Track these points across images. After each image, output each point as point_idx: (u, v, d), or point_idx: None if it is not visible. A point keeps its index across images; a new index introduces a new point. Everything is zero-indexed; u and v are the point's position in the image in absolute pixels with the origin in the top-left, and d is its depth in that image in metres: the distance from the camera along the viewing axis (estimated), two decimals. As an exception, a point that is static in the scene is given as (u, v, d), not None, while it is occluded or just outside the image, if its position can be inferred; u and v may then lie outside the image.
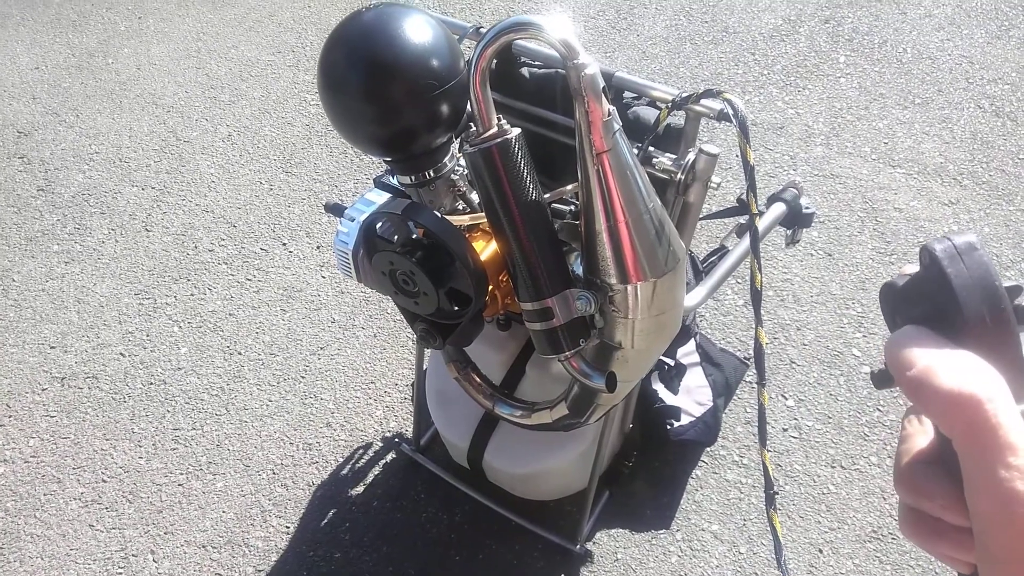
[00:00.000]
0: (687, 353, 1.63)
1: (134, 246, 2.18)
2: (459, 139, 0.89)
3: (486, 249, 0.85)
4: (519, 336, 1.27)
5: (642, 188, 0.73)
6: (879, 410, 1.70)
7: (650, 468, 1.62)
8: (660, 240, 0.75)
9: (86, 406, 1.81)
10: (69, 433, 1.76)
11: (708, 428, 1.59)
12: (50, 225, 2.25)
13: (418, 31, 0.76)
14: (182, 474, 1.68)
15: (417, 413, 1.62)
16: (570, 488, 1.49)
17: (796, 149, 2.31)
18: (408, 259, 0.81)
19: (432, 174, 0.86)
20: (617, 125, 0.69)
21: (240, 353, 1.90)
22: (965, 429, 0.28)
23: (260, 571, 1.53)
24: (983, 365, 0.29)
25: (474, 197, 0.91)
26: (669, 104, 0.91)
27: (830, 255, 2.02)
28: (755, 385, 1.74)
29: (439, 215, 0.81)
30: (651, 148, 0.95)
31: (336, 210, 0.97)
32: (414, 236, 0.85)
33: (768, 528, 1.50)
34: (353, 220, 0.90)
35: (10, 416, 1.80)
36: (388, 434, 1.73)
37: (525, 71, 1.07)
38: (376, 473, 1.66)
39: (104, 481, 1.68)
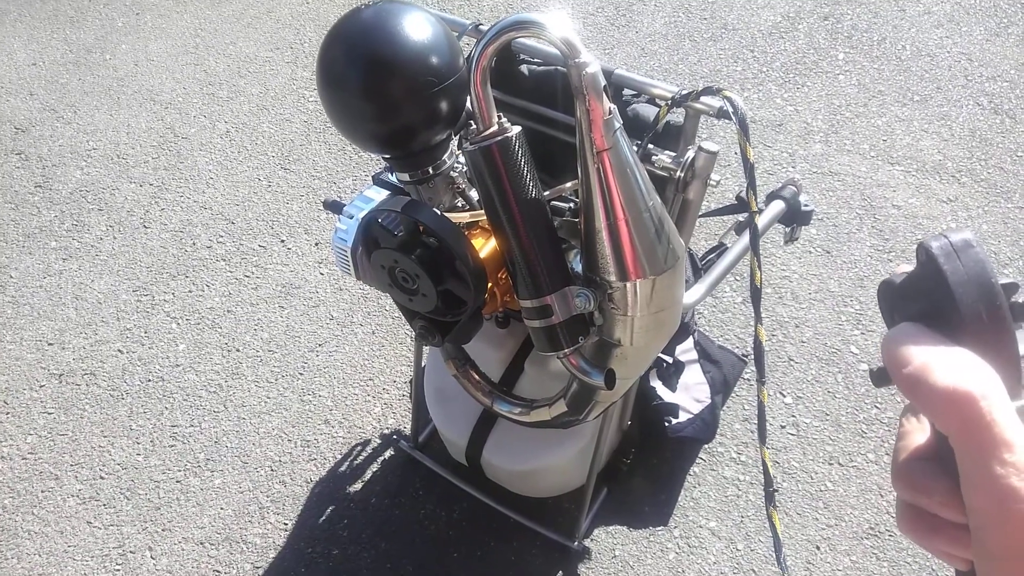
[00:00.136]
0: (685, 350, 1.63)
1: (132, 243, 2.18)
2: (459, 136, 0.89)
3: (485, 246, 0.85)
4: (518, 333, 1.27)
5: (642, 186, 0.73)
6: (877, 407, 1.70)
7: (648, 465, 1.63)
8: (659, 238, 0.75)
9: (84, 403, 1.81)
10: (67, 430, 1.76)
11: (706, 425, 1.59)
12: (48, 221, 2.25)
13: (417, 28, 0.76)
14: (180, 471, 1.68)
15: (415, 410, 1.62)
16: (568, 485, 1.49)
17: (795, 146, 2.31)
18: (407, 257, 0.81)
19: (431, 171, 0.86)
20: (618, 123, 0.69)
21: (238, 350, 1.90)
22: (960, 426, 0.28)
23: (258, 568, 1.53)
24: (979, 362, 0.30)
25: (473, 194, 0.91)
26: (668, 101, 0.91)
27: (828, 252, 2.02)
28: (753, 382, 1.74)
29: (438, 212, 0.81)
30: (650, 145, 0.95)
31: (335, 207, 0.97)
32: (414, 234, 0.85)
33: (766, 525, 1.51)
34: (352, 217, 0.90)
35: (8, 413, 1.80)
36: (386, 431, 1.73)
37: (524, 68, 1.07)
38: (374, 470, 1.67)
39: (102, 478, 1.68)
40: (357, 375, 1.83)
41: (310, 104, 2.58)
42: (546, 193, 0.79)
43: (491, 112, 0.74)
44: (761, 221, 1.04)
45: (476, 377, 1.11)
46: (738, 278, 1.95)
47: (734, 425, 1.69)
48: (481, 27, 1.05)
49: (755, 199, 0.87)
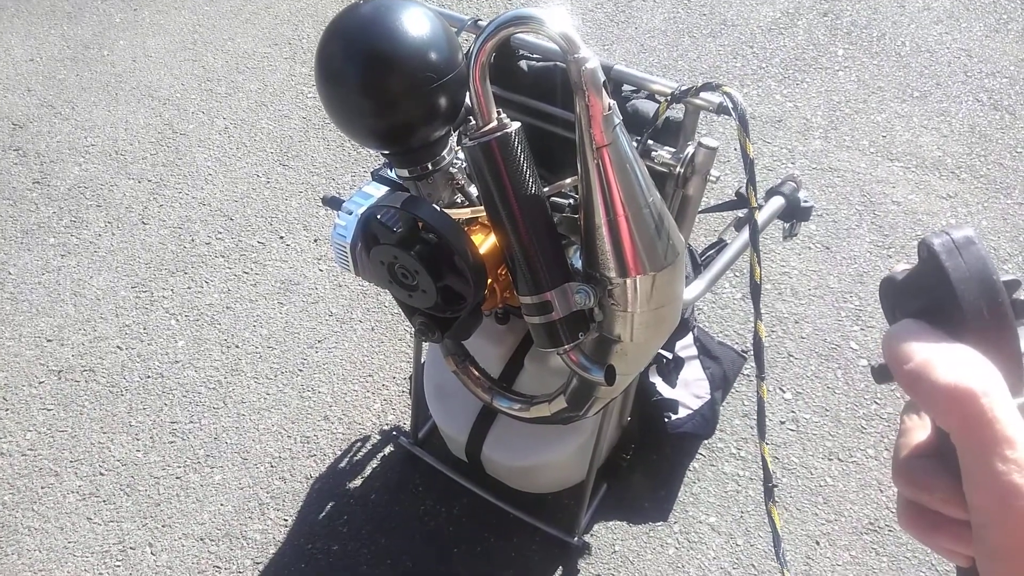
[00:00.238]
0: (685, 346, 1.63)
1: (131, 239, 2.17)
2: (458, 132, 0.89)
3: (485, 243, 0.85)
4: (517, 329, 1.27)
5: (642, 182, 0.73)
6: (876, 403, 1.70)
7: (648, 461, 1.63)
8: (659, 234, 0.75)
9: (83, 399, 1.81)
10: (66, 426, 1.76)
11: (706, 421, 1.60)
12: (46, 218, 2.25)
13: (416, 23, 0.76)
14: (180, 467, 1.68)
15: (415, 406, 1.62)
16: (568, 481, 1.49)
17: (794, 142, 2.31)
18: (407, 253, 0.81)
19: (430, 167, 0.86)
20: (617, 119, 0.69)
21: (237, 346, 1.90)
22: (961, 423, 0.28)
23: (258, 564, 1.53)
24: (979, 359, 0.30)
25: (473, 190, 0.91)
26: (668, 97, 0.91)
27: (828, 248, 2.02)
28: (752, 378, 1.75)
29: (438, 208, 0.81)
30: (650, 141, 0.95)
31: (334, 203, 0.96)
32: (413, 230, 0.85)
33: (766, 520, 1.51)
34: (351, 213, 0.89)
35: (7, 409, 1.80)
36: (386, 427, 1.73)
37: (524, 64, 1.07)
38: (374, 466, 1.67)
39: (102, 474, 1.68)
40: (356, 371, 1.83)
41: (309, 100, 2.57)
42: (546, 189, 0.79)
43: (490, 108, 0.73)
44: (761, 217, 1.04)
45: (476, 373, 1.11)
46: (738, 274, 1.95)
47: (734, 421, 1.69)
48: (480, 22, 1.05)
49: (755, 195, 0.86)
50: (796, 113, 2.40)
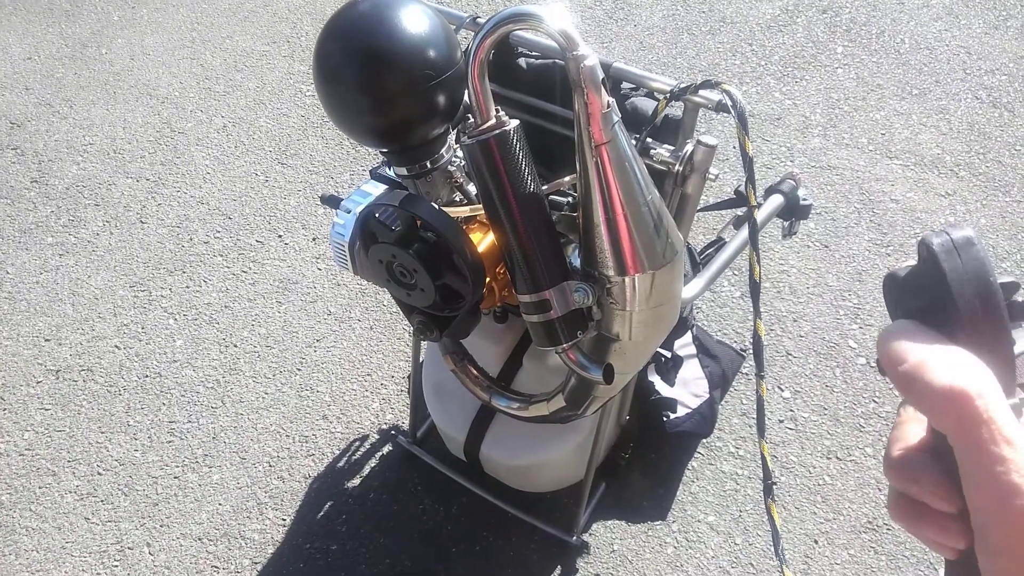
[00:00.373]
0: (684, 345, 1.63)
1: (129, 238, 2.17)
2: (456, 130, 0.88)
3: (483, 241, 0.85)
4: (516, 328, 1.27)
5: (641, 180, 0.72)
6: (875, 401, 1.70)
7: (646, 460, 1.63)
8: (658, 232, 0.75)
9: (81, 399, 1.81)
10: (64, 426, 1.76)
11: (704, 420, 1.60)
12: (44, 217, 2.24)
13: (414, 21, 0.75)
14: (178, 467, 1.68)
15: (414, 405, 1.62)
16: (567, 480, 1.49)
17: (793, 140, 2.31)
18: (405, 251, 0.80)
19: (429, 165, 0.86)
20: (616, 117, 0.69)
21: (236, 346, 1.89)
22: (958, 425, 0.29)
23: (256, 564, 1.53)
24: (973, 361, 0.30)
25: (471, 189, 0.91)
26: (667, 95, 0.91)
27: (827, 247, 2.02)
28: (751, 377, 1.74)
29: (436, 207, 0.80)
30: (649, 139, 0.94)
31: (332, 202, 0.96)
32: (411, 228, 0.84)
33: (765, 519, 1.51)
34: (349, 212, 0.89)
35: (4, 409, 1.79)
36: (384, 426, 1.73)
37: (522, 61, 1.07)
38: (372, 465, 1.67)
39: (99, 474, 1.68)
40: (355, 370, 1.83)
41: (307, 98, 2.57)
42: (544, 187, 0.78)
43: (489, 106, 0.73)
44: (760, 215, 1.04)
45: (474, 372, 1.11)
46: (736, 272, 1.95)
47: (732, 419, 1.69)
48: (479, 20, 1.05)
49: (754, 193, 0.86)
50: (795, 111, 2.40)
